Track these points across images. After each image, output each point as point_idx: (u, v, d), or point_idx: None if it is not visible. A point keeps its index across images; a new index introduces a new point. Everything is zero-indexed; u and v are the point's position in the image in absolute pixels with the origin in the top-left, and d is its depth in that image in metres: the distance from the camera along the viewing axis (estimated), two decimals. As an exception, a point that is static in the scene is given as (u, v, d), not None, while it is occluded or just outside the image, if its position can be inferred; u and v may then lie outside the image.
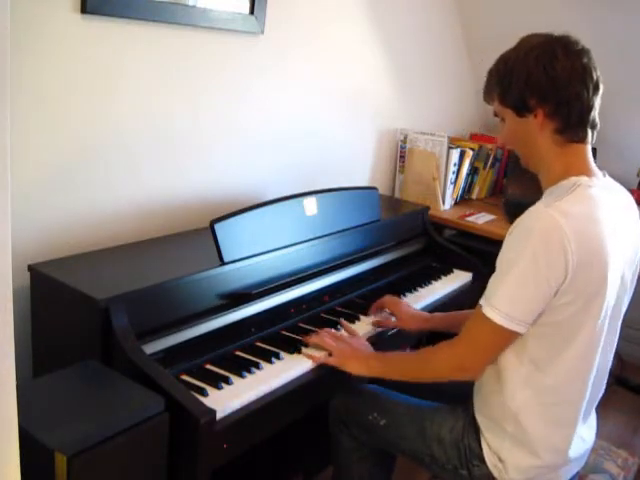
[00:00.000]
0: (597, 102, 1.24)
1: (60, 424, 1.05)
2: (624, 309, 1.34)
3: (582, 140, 1.25)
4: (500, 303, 1.18)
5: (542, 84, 1.20)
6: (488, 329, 1.21)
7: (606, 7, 2.48)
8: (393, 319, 1.70)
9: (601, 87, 1.23)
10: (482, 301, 1.23)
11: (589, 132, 1.25)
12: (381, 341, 1.62)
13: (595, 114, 1.24)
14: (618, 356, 2.97)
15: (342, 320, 1.63)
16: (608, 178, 1.30)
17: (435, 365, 1.32)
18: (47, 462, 1.00)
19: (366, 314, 1.70)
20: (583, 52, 1.22)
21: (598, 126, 1.26)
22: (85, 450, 1.01)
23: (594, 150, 2.64)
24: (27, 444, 0.89)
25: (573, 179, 1.22)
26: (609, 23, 2.52)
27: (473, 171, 2.85)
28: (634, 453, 2.38)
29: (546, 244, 1.13)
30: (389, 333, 1.67)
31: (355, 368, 1.42)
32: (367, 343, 1.53)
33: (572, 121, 1.22)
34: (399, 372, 1.41)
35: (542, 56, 1.20)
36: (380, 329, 1.66)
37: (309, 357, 1.44)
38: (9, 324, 0.77)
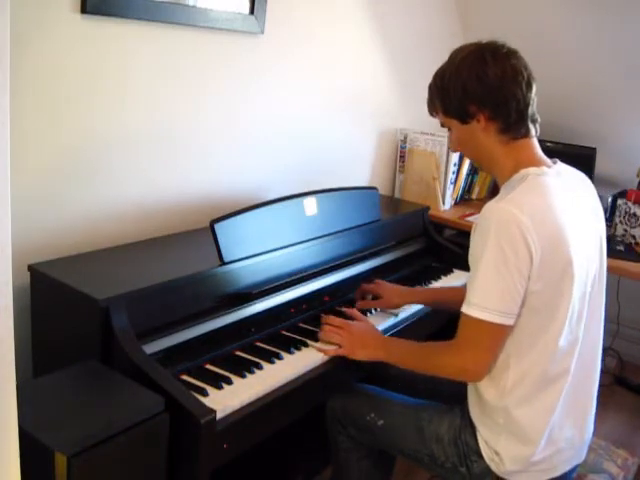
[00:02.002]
0: (532, 98, 1.31)
1: (60, 424, 1.05)
2: (603, 284, 1.37)
3: (526, 135, 1.32)
4: (481, 300, 1.21)
5: (478, 91, 1.28)
6: (480, 331, 1.23)
7: (604, 8, 2.48)
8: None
9: (534, 84, 1.30)
10: (464, 308, 1.24)
11: (531, 126, 1.32)
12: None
13: (533, 109, 1.31)
14: (618, 356, 2.99)
15: (348, 310, 1.64)
16: (560, 164, 1.36)
17: (440, 369, 1.34)
18: (47, 462, 1.00)
19: (366, 314, 1.70)
20: (510, 54, 1.29)
21: (539, 120, 1.34)
22: (85, 450, 1.01)
23: (594, 150, 2.66)
24: (27, 444, 0.89)
25: (522, 171, 1.28)
26: (607, 24, 2.52)
27: (473, 171, 2.85)
28: (634, 453, 2.38)
29: (507, 235, 1.17)
30: (399, 327, 1.69)
31: (363, 355, 1.45)
32: (373, 325, 1.56)
33: (512, 119, 1.29)
34: (407, 364, 1.42)
35: (473, 65, 1.28)
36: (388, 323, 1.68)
37: (319, 350, 1.47)
38: (9, 324, 0.77)
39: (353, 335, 1.49)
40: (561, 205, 1.24)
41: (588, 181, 1.41)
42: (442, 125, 1.41)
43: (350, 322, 1.55)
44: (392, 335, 1.62)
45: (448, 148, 2.56)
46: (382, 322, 1.67)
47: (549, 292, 1.22)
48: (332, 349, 1.47)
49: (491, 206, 1.23)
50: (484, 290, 1.21)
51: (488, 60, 1.27)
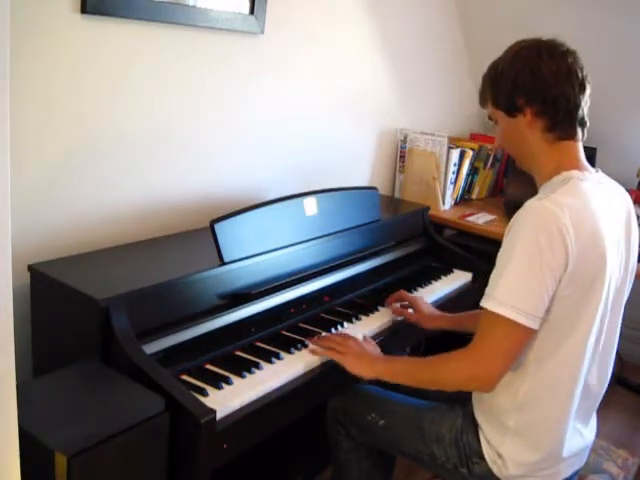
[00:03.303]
0: (584, 101, 1.28)
1: (60, 424, 1.05)
2: (625, 298, 1.36)
3: (571, 137, 1.30)
4: (508, 298, 1.16)
5: (529, 84, 1.26)
6: (501, 330, 1.18)
7: (605, 8, 2.48)
8: (410, 310, 1.72)
9: (588, 86, 1.28)
10: (485, 302, 1.20)
11: (578, 130, 1.30)
12: (386, 338, 1.63)
13: (583, 112, 1.29)
14: (618, 356, 2.98)
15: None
16: (601, 173, 1.34)
17: (448, 375, 1.27)
18: (47, 462, 1.00)
19: (366, 314, 1.70)
20: (568, 53, 1.28)
21: (587, 124, 1.31)
22: (85, 450, 1.01)
23: (594, 150, 2.66)
24: (27, 444, 0.89)
25: (565, 174, 1.26)
26: (608, 24, 2.52)
27: (473, 171, 2.85)
28: (634, 453, 2.38)
29: (546, 233, 1.14)
30: (395, 331, 1.68)
31: (358, 369, 1.39)
32: (375, 344, 1.51)
33: (559, 119, 1.27)
34: (407, 377, 1.36)
35: (528, 59, 1.27)
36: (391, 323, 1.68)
37: (312, 351, 1.44)
38: (9, 324, 0.77)
39: (350, 343, 1.44)
40: (600, 212, 1.22)
41: (626, 194, 1.39)
42: (489, 118, 1.39)
43: (352, 335, 1.52)
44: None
45: (444, 151, 2.57)
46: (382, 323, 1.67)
47: (577, 298, 1.20)
48: (323, 351, 1.44)
49: (532, 203, 1.20)
50: (512, 286, 1.16)
51: (544, 56, 1.26)
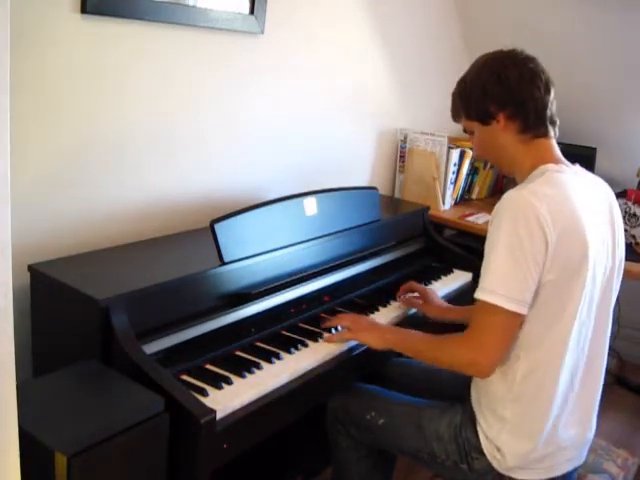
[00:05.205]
0: (550, 101, 1.35)
1: (60, 424, 1.05)
2: (613, 285, 1.38)
3: (544, 135, 1.36)
4: (495, 286, 1.21)
5: (497, 91, 1.34)
6: (492, 317, 1.22)
7: (604, 7, 2.48)
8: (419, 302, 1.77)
9: (552, 88, 1.35)
10: (478, 294, 1.24)
11: (549, 127, 1.37)
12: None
13: (551, 112, 1.36)
14: (618, 356, 2.99)
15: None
16: (577, 166, 1.38)
17: (449, 359, 1.32)
18: (47, 462, 1.00)
19: (367, 314, 1.69)
20: (528, 59, 1.36)
21: (558, 122, 1.38)
22: (85, 450, 1.01)
23: (594, 150, 2.66)
24: (27, 444, 0.89)
25: (542, 167, 1.32)
26: (607, 23, 2.52)
27: (473, 171, 2.86)
28: (634, 453, 2.38)
29: (524, 221, 1.19)
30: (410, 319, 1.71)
31: (370, 340, 1.46)
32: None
33: (531, 119, 1.34)
34: (415, 352, 1.41)
35: (493, 68, 1.35)
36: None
37: (327, 340, 1.49)
38: (9, 324, 0.77)
39: (361, 320, 1.53)
40: (578, 200, 1.26)
41: (606, 186, 1.42)
42: (465, 130, 1.46)
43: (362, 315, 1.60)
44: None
45: (444, 151, 2.57)
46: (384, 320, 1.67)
47: (561, 284, 1.23)
48: (337, 334, 1.50)
49: (509, 194, 1.25)
50: (498, 275, 1.21)
51: (507, 64, 1.34)
